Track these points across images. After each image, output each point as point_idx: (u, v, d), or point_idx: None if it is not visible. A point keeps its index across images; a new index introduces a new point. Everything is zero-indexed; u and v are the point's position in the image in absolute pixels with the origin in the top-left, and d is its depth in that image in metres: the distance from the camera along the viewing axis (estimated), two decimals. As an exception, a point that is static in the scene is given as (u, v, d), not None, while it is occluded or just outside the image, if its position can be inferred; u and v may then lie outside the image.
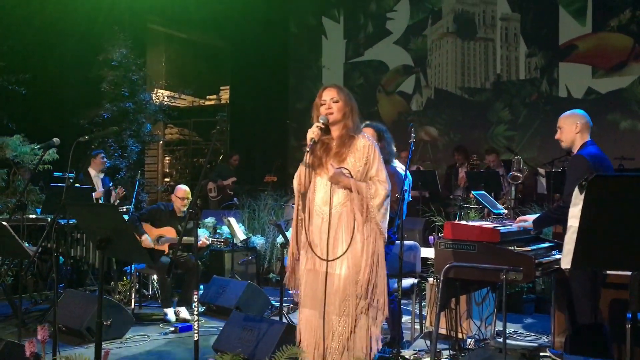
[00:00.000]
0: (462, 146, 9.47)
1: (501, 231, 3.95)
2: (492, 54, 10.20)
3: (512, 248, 3.86)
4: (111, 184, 7.79)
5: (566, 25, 9.53)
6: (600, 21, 9.27)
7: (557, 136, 4.12)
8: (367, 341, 3.18)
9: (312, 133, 3.21)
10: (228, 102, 12.98)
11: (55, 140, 4.35)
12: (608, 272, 4.45)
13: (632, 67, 9.02)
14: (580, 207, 1.67)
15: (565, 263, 3.56)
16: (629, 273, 4.11)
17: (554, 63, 9.65)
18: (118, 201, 7.47)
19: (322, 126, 3.24)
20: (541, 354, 4.58)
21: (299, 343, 3.23)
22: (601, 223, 1.69)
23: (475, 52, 10.35)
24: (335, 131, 3.33)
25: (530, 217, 4.17)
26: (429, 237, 5.74)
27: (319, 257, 3.20)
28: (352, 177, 3.20)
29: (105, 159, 7.89)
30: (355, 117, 3.34)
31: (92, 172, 7.72)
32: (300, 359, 2.76)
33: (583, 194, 1.65)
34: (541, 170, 8.55)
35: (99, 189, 7.58)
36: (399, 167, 4.63)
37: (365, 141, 3.28)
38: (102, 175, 7.81)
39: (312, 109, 3.36)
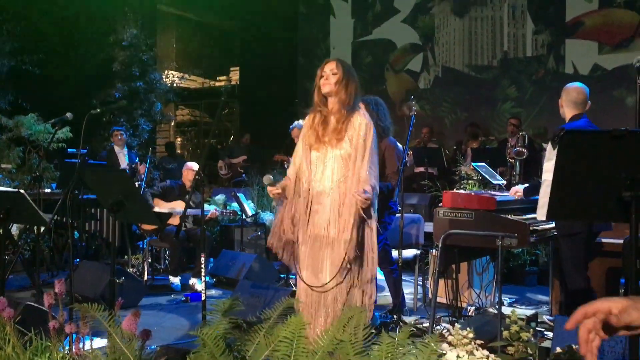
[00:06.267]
0: (474, 123, 9.56)
1: (497, 199, 4.08)
2: (499, 32, 10.23)
3: (508, 216, 3.99)
4: (137, 159, 8.01)
5: (573, 2, 9.53)
6: (606, -3, 9.28)
7: None
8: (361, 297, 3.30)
9: (271, 194, 3.37)
10: (238, 82, 13.12)
11: (68, 115, 4.53)
12: (603, 240, 4.59)
13: (638, 43, 9.02)
14: (553, 161, 1.81)
15: (541, 215, 3.72)
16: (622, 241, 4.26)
17: (561, 40, 9.66)
18: (144, 176, 7.66)
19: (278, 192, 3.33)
20: (538, 320, 4.72)
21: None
22: (572, 176, 1.83)
23: (482, 29, 10.38)
24: (332, 104, 3.36)
25: (523, 187, 4.29)
26: (434, 212, 5.86)
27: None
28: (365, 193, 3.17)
29: (120, 136, 8.10)
30: (352, 91, 3.31)
31: (116, 148, 8.06)
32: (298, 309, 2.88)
33: (556, 149, 1.78)
34: (546, 146, 8.61)
35: (123, 164, 7.83)
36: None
37: (362, 118, 3.30)
38: (126, 151, 8.09)
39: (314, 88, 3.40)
